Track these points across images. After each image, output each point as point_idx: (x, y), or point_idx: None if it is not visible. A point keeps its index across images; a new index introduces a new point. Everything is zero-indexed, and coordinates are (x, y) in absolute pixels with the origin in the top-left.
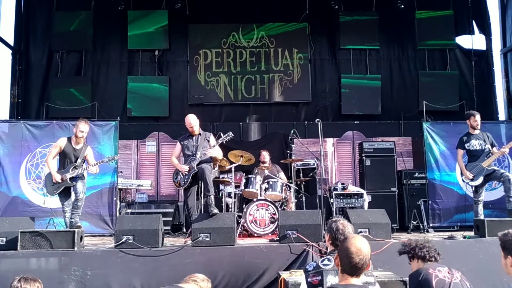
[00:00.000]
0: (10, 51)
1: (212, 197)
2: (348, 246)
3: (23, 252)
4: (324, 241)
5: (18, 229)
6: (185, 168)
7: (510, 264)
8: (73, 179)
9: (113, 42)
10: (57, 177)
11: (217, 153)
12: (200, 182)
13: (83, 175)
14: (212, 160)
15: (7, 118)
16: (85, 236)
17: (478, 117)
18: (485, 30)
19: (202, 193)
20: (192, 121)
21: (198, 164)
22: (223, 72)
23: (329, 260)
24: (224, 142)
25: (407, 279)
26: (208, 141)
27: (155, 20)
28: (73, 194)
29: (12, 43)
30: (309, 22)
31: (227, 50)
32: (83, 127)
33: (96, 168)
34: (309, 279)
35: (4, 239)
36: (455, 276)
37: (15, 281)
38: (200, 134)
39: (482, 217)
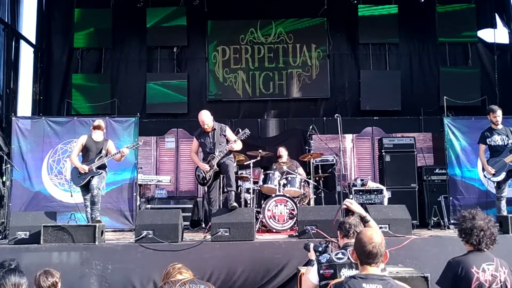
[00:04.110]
0: (32, 49)
1: (233, 192)
2: (360, 236)
3: (45, 246)
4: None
5: (41, 223)
6: (206, 167)
7: None
8: (98, 169)
9: (132, 39)
10: (85, 168)
11: (238, 146)
12: (222, 176)
13: (105, 171)
14: (232, 153)
15: (30, 115)
16: (105, 231)
17: (498, 112)
18: (509, 23)
19: (222, 188)
20: (205, 119)
21: (218, 161)
22: (241, 69)
23: (343, 254)
24: (240, 140)
25: (428, 274)
26: (225, 135)
27: (173, 17)
28: None
29: (34, 42)
30: (328, 17)
31: (245, 46)
32: (99, 123)
33: (119, 155)
34: (321, 271)
35: (28, 233)
36: (497, 280)
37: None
38: (215, 129)
39: (505, 213)
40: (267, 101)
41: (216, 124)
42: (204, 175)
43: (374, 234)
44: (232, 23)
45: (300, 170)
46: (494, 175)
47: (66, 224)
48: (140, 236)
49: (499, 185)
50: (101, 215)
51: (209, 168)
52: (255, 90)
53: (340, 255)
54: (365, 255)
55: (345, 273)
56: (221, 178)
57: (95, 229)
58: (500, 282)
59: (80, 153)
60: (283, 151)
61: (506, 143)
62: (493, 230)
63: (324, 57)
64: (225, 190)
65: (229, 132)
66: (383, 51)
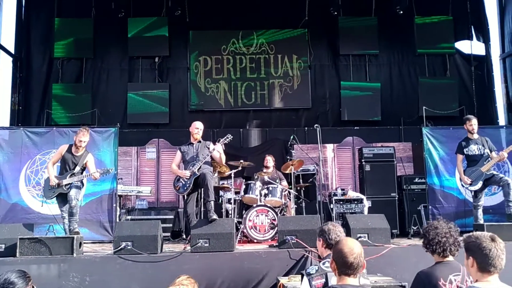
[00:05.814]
0: (10, 59)
1: (212, 203)
2: (341, 247)
3: (22, 258)
4: None
5: (17, 235)
6: (187, 173)
7: (470, 264)
8: (69, 186)
9: (114, 49)
10: (53, 182)
11: (222, 155)
12: (200, 188)
13: (82, 182)
14: (212, 165)
15: (8, 125)
16: (84, 243)
17: (474, 121)
18: (484, 35)
19: (202, 199)
20: (199, 125)
21: (199, 168)
22: (223, 79)
23: (329, 261)
24: (223, 145)
25: (406, 284)
26: (208, 148)
27: (155, 27)
28: None
29: (13, 51)
30: (309, 28)
31: (227, 56)
32: (83, 137)
33: (96, 174)
34: (313, 282)
35: (3, 245)
36: None
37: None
38: (200, 141)
39: (481, 221)
40: (249, 111)
41: (201, 139)
42: (184, 183)
43: (355, 245)
44: (214, 34)
45: (284, 182)
46: (471, 184)
47: (43, 236)
48: (119, 248)
49: (476, 194)
50: (80, 227)
51: (190, 174)
52: (237, 100)
53: (327, 263)
54: (346, 266)
55: (334, 281)
56: (199, 191)
57: (73, 241)
58: None
59: (58, 163)
60: (270, 162)
61: (482, 153)
62: (456, 236)
63: (305, 67)
64: (204, 201)
65: (212, 146)
66: (363, 61)
